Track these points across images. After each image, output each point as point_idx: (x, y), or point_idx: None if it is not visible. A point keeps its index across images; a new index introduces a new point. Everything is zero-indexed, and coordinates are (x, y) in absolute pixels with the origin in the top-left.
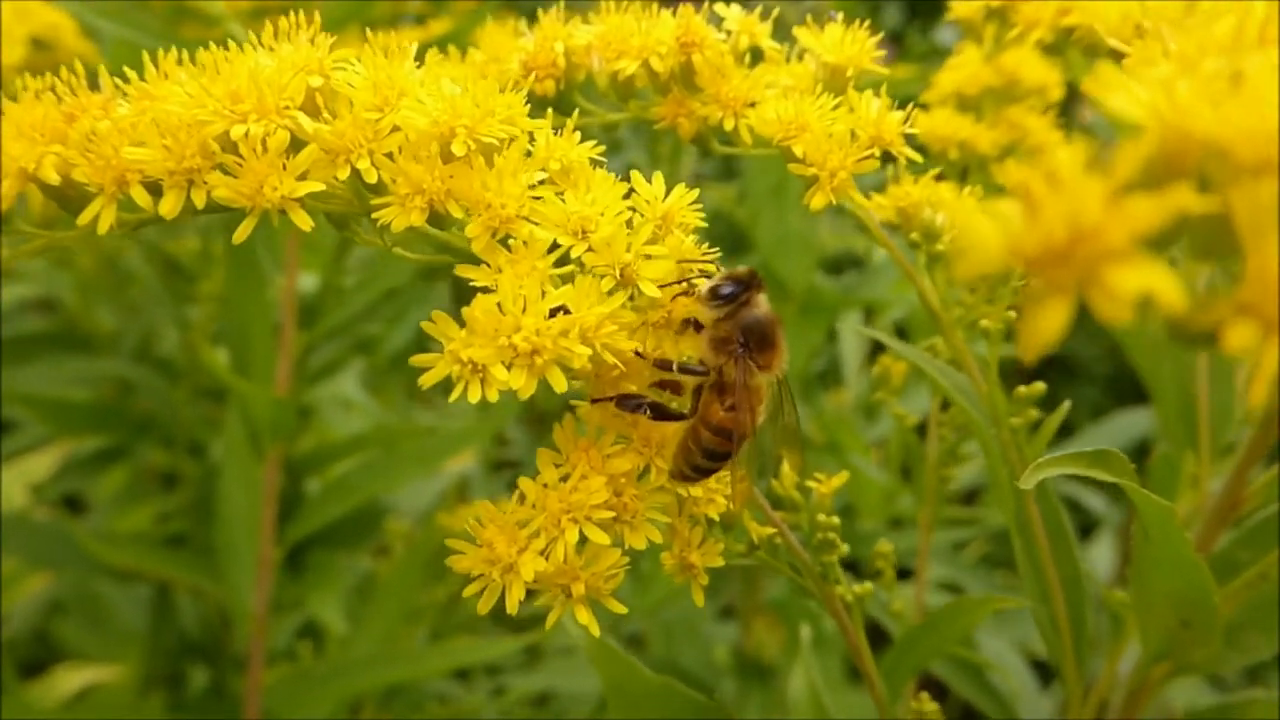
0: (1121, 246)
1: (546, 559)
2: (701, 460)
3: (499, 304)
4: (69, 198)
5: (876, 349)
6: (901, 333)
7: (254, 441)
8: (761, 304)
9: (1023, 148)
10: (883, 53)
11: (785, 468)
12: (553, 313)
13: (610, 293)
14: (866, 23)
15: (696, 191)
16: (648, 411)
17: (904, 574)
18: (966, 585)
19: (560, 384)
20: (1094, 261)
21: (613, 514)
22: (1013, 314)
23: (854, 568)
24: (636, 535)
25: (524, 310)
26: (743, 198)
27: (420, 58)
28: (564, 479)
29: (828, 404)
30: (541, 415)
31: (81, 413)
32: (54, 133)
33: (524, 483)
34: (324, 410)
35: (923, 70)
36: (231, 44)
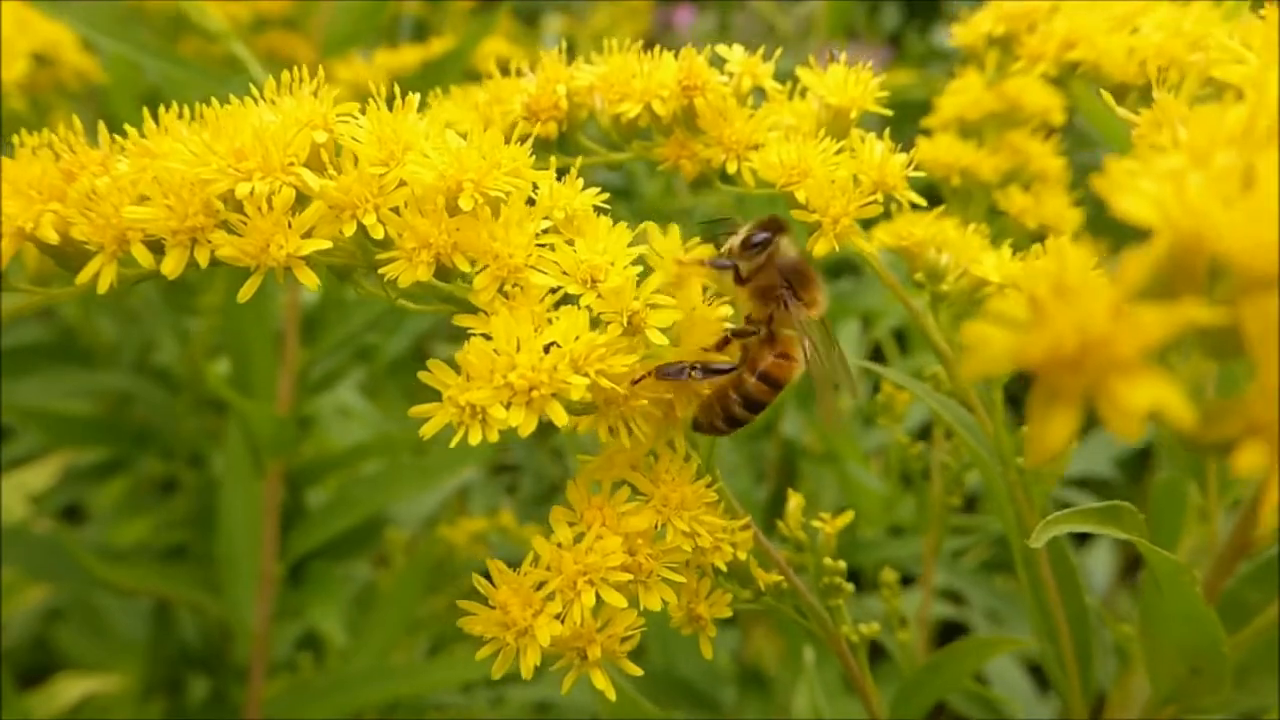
0: (1130, 358)
1: (562, 622)
2: (740, 411)
3: (494, 347)
4: (67, 255)
5: (876, 355)
6: (900, 338)
7: (255, 457)
8: (790, 246)
9: (1025, 174)
10: (885, 94)
11: (791, 506)
12: (547, 349)
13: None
14: (869, 64)
15: (710, 249)
16: (695, 372)
17: (905, 581)
18: (967, 592)
19: (560, 418)
20: (1102, 372)
21: (629, 576)
22: None
23: (855, 577)
24: (651, 595)
25: (518, 349)
26: (740, 202)
27: (424, 78)
28: (578, 538)
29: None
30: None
31: (81, 425)
32: (52, 190)
33: (538, 543)
34: (323, 419)
35: (923, 76)
36: (233, 98)
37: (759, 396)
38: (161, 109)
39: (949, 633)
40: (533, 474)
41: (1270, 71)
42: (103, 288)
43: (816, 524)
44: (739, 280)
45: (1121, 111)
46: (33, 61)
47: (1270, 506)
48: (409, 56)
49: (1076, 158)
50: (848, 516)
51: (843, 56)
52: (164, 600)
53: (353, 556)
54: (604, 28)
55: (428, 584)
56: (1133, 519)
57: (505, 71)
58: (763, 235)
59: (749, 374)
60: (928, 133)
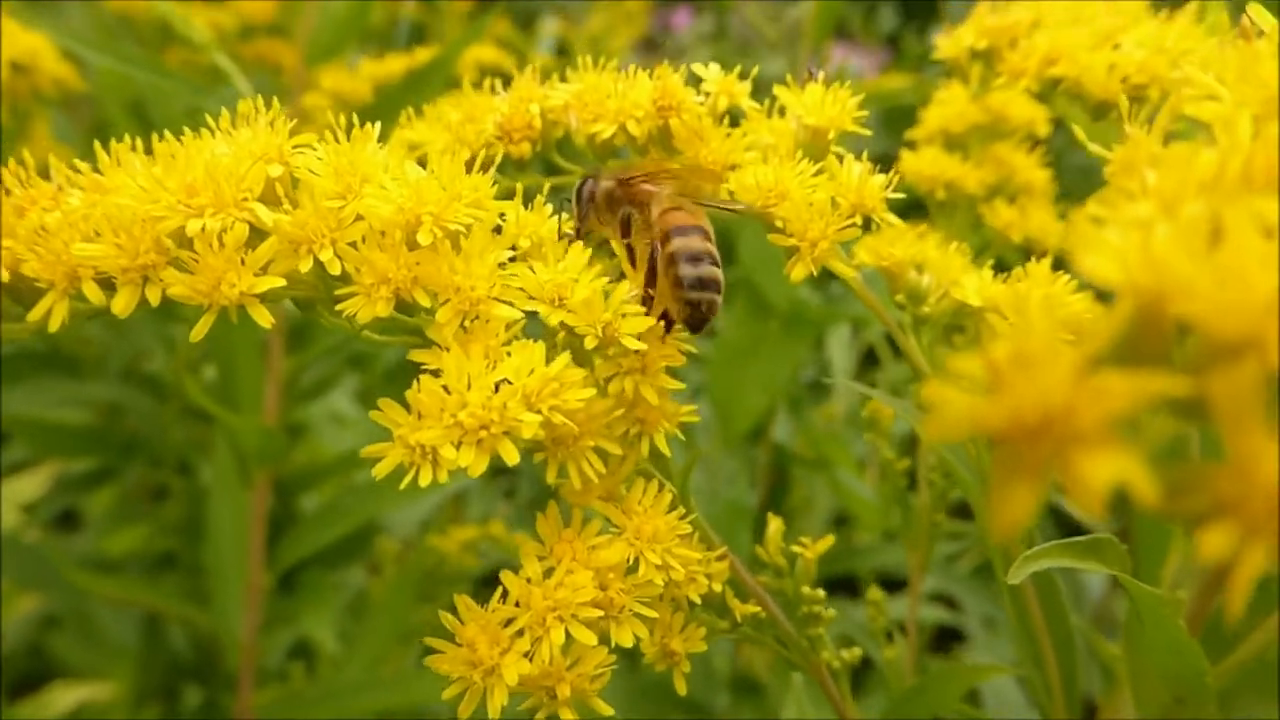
0: (1092, 430)
1: (530, 660)
2: (698, 271)
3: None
4: (19, 290)
5: (869, 359)
6: (893, 342)
7: (242, 467)
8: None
9: (1010, 187)
10: (865, 113)
11: (770, 530)
12: (499, 386)
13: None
14: (848, 83)
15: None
16: (646, 298)
17: (898, 585)
18: (959, 596)
19: (512, 456)
20: (1063, 444)
21: (600, 613)
22: None
23: (849, 584)
24: (623, 631)
25: (469, 386)
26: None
27: (409, 87)
28: (548, 573)
29: (817, 417)
30: None
31: (68, 435)
32: (2, 226)
33: (506, 578)
34: (316, 426)
35: (919, 79)
36: (187, 132)
37: (693, 249)
38: (114, 141)
39: (943, 638)
40: (530, 478)
41: (1242, 110)
42: (54, 326)
43: (797, 549)
44: (588, 230)
45: (1094, 148)
46: (10, 69)
47: (1240, 591)
48: (394, 65)
49: (1070, 159)
50: (828, 541)
51: (821, 75)
52: (154, 611)
53: (345, 564)
54: (601, 31)
55: (420, 593)
56: (1115, 551)
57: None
58: (582, 182)
59: (665, 247)
60: (912, 145)
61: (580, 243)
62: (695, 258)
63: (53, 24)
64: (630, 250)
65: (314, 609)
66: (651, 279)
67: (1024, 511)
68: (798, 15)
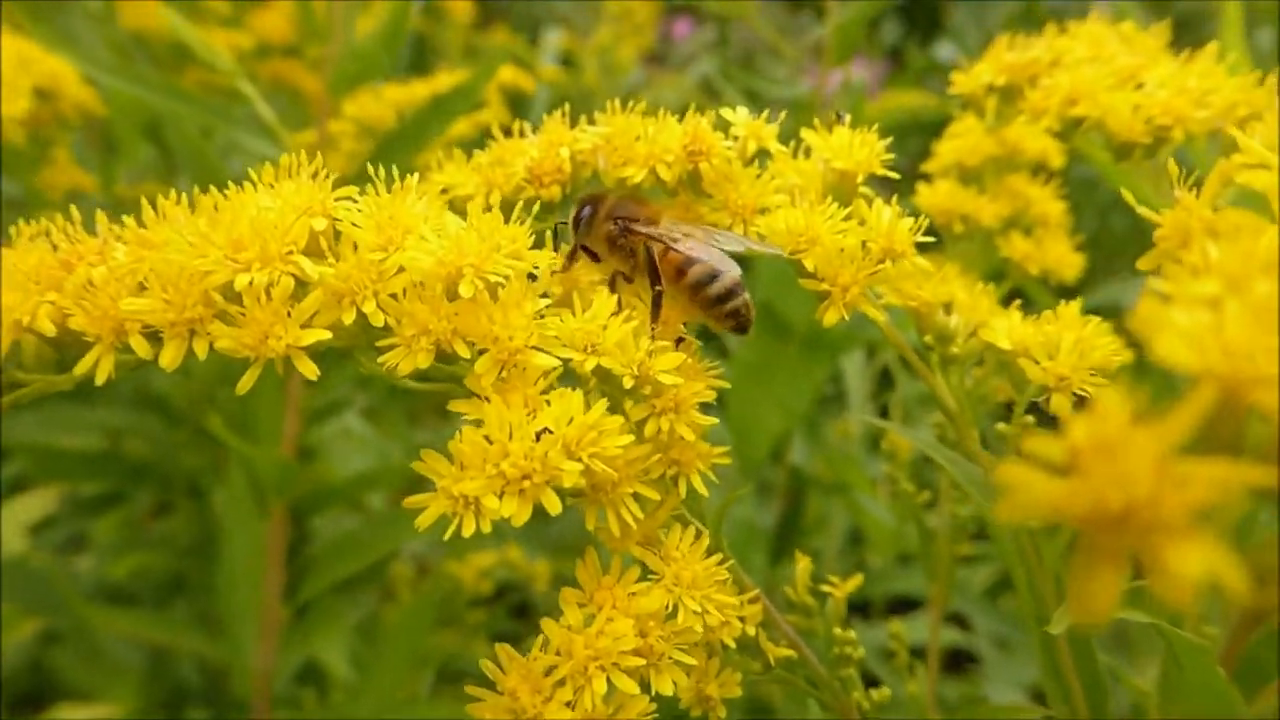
0: (1178, 520)
1: (572, 709)
2: (731, 301)
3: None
4: (65, 344)
5: (884, 380)
6: (906, 362)
7: (258, 497)
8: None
9: (1026, 219)
10: (891, 156)
11: (799, 570)
12: (539, 435)
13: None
14: (875, 126)
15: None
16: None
17: (913, 605)
18: (973, 618)
19: (555, 506)
20: (1148, 534)
21: (642, 661)
22: (1030, 419)
23: (863, 607)
24: (662, 678)
25: (510, 436)
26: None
27: (434, 113)
28: (589, 620)
29: (834, 437)
30: None
31: (76, 460)
32: (50, 280)
33: (547, 625)
34: (325, 444)
35: (923, 94)
36: (232, 186)
37: (710, 270)
38: (160, 197)
39: (955, 659)
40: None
41: None
42: (100, 379)
43: (826, 588)
44: (596, 257)
45: (1144, 211)
46: (34, 97)
47: None
48: (418, 90)
49: (1077, 169)
50: (856, 580)
51: (848, 118)
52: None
53: (361, 591)
54: (608, 42)
55: (436, 618)
56: (1154, 600)
57: (509, 133)
58: (579, 211)
59: (684, 279)
60: (927, 177)
61: (605, 289)
62: (713, 275)
63: (71, 49)
64: (619, 278)
65: (326, 633)
66: (657, 312)
67: (1107, 598)
68: (818, 35)
